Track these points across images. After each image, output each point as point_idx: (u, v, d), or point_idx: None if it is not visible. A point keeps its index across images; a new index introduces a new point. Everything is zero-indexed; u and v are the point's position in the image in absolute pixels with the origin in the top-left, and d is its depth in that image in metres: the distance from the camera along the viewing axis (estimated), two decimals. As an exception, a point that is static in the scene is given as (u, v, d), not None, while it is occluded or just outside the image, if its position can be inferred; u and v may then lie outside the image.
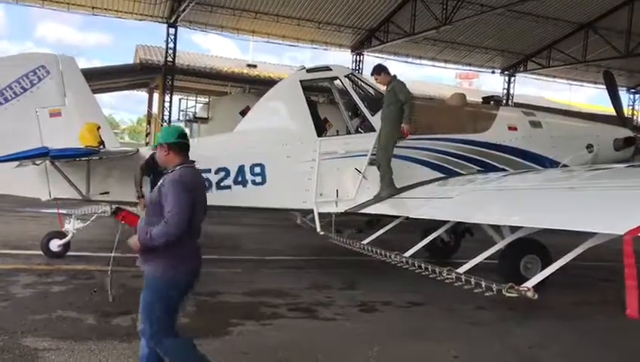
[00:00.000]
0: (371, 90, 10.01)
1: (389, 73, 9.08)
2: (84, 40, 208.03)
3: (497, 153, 9.89)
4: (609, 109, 14.62)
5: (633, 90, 33.70)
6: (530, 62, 29.52)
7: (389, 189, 8.65)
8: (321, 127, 9.85)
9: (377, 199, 8.70)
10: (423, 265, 6.74)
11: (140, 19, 24.29)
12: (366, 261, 8.89)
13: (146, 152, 8.84)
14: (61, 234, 8.96)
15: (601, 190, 6.23)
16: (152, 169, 7.81)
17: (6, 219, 12.93)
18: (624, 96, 30.83)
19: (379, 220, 9.60)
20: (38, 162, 8.20)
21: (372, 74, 9.25)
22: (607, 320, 7.23)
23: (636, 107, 33.92)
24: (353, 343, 5.66)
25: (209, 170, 8.30)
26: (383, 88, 9.30)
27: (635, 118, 32.34)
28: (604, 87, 13.05)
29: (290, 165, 8.88)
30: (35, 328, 5.47)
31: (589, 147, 10.91)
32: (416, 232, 9.40)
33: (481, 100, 12.17)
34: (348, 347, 5.53)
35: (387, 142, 8.78)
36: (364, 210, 8.93)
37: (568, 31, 25.94)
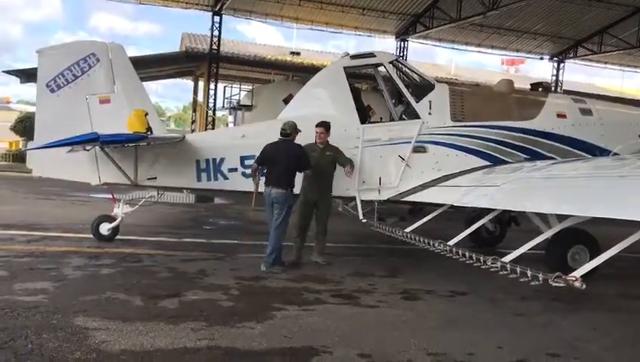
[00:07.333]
0: (416, 77, 9.90)
1: None
2: (135, 29, 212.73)
3: (545, 141, 9.66)
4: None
5: (691, 77, 32.39)
6: (580, 47, 28.67)
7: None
8: (365, 114, 9.81)
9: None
10: (467, 254, 6.64)
11: (186, 8, 24.64)
12: (409, 249, 8.84)
13: (192, 139, 8.99)
14: (110, 218, 9.19)
15: (655, 179, 6.02)
16: None
17: (58, 203, 13.40)
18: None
19: (422, 208, 9.52)
20: (88, 148, 8.43)
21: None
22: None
23: (694, 94, 32.63)
24: (396, 330, 5.64)
25: (253, 157, 8.37)
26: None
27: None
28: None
29: (334, 152, 8.85)
30: (86, 308, 5.64)
31: (643, 135, 10.54)
32: (459, 221, 9.29)
33: (529, 87, 11.87)
34: (390, 334, 5.52)
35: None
36: (407, 198, 8.88)
37: (622, 15, 25.05)
